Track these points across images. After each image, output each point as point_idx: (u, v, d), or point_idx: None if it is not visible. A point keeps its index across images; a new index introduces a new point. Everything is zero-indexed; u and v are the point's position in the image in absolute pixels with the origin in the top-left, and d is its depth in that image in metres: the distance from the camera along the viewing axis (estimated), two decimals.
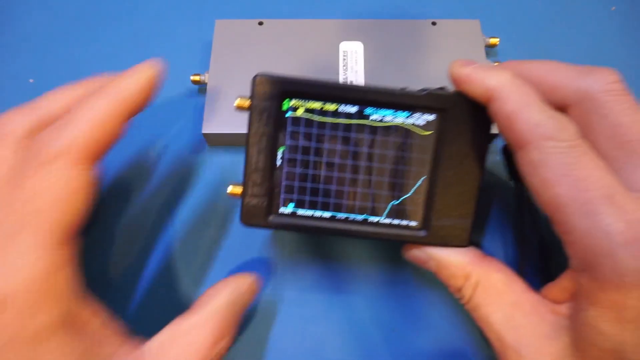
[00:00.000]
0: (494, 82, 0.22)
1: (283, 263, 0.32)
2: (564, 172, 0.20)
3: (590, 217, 0.19)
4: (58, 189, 0.21)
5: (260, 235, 0.33)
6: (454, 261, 0.25)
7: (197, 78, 0.35)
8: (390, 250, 0.32)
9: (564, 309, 0.22)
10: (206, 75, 0.35)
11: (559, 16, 0.40)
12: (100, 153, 0.22)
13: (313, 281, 0.32)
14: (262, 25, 0.37)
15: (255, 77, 0.24)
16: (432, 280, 0.32)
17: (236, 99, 0.25)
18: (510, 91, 0.22)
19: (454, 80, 0.24)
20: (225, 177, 0.34)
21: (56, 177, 0.21)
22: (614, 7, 0.40)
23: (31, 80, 0.38)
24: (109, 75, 0.24)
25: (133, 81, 0.23)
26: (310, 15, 0.40)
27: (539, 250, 0.30)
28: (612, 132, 0.22)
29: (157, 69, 0.24)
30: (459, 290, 0.25)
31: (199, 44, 0.39)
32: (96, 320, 0.22)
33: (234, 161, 0.35)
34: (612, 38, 0.39)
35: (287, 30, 0.37)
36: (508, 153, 0.28)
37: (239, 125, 0.33)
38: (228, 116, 0.34)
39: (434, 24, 0.37)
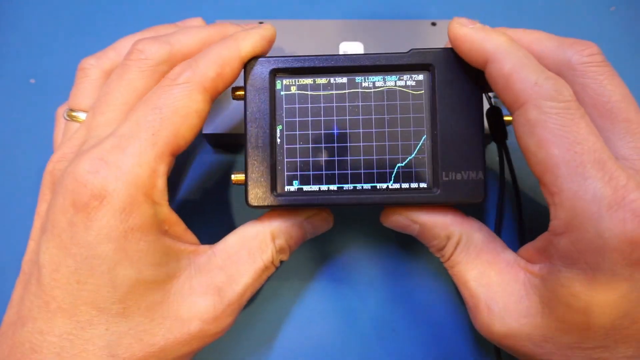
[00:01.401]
0: (492, 45, 0.23)
1: (283, 263, 0.32)
2: (561, 133, 0.21)
3: (580, 179, 0.20)
4: (181, 105, 0.23)
5: None
6: (438, 223, 0.25)
7: None
8: (391, 250, 0.32)
9: (537, 268, 0.23)
10: None
11: (558, 16, 0.40)
12: (220, 89, 0.25)
13: (313, 281, 0.32)
14: None
15: (245, 63, 0.26)
16: (432, 280, 0.32)
17: (231, 91, 0.26)
18: (507, 53, 0.22)
19: (452, 38, 0.24)
20: (226, 178, 0.35)
21: (182, 95, 0.23)
22: (613, 7, 0.40)
23: (32, 81, 0.38)
24: (235, 26, 0.28)
25: (257, 37, 0.26)
26: (310, 16, 0.40)
27: (517, 212, 0.31)
28: (594, 101, 0.22)
29: (274, 32, 0.27)
30: (441, 250, 0.26)
31: None
32: (178, 227, 0.25)
33: (235, 162, 0.35)
34: (612, 38, 0.39)
35: (287, 31, 0.37)
36: (492, 115, 0.28)
37: (240, 126, 0.34)
38: (229, 117, 0.34)
39: (433, 24, 0.37)
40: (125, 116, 0.24)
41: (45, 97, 0.38)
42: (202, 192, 0.34)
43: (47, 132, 0.37)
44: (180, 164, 0.35)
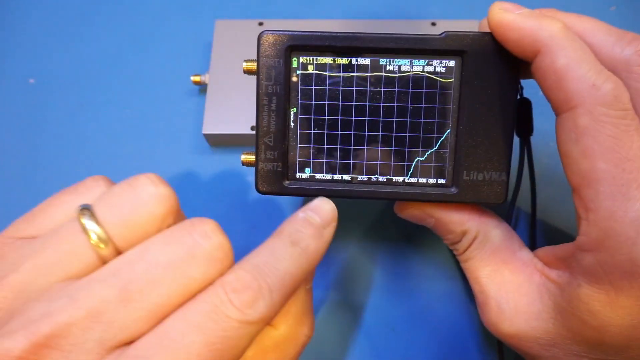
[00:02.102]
0: (545, 34, 0.20)
1: None
2: (611, 146, 0.18)
3: (623, 200, 0.18)
4: (241, 349, 0.18)
5: (264, 235, 0.33)
6: (454, 218, 0.24)
7: (197, 78, 0.35)
8: (390, 248, 0.32)
9: (554, 275, 0.22)
10: (206, 75, 0.35)
11: None
12: None
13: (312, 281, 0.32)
14: (262, 26, 0.37)
15: (260, 35, 0.23)
16: (432, 279, 0.32)
17: (243, 62, 0.24)
18: (563, 44, 0.19)
19: (494, 26, 0.21)
20: (226, 178, 0.35)
21: (247, 337, 0.18)
22: (613, 7, 0.40)
23: (31, 81, 0.38)
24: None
25: (327, 243, 0.21)
26: (310, 16, 0.40)
27: (531, 215, 0.30)
28: None
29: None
30: (455, 244, 0.25)
31: (199, 44, 0.39)
32: None
33: (235, 161, 0.35)
34: None
35: None
36: (520, 108, 0.26)
37: (239, 125, 0.34)
38: (229, 117, 0.34)
39: (433, 24, 0.37)
40: (153, 323, 0.17)
41: (45, 97, 0.38)
42: (202, 192, 0.34)
43: (47, 132, 0.37)
44: (179, 164, 0.35)
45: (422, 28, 0.37)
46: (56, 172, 0.35)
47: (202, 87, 0.37)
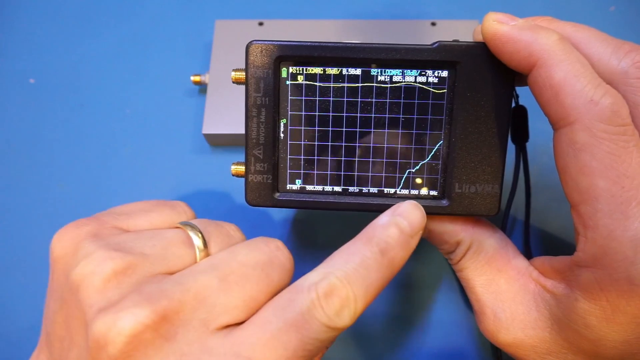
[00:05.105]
0: (541, 46, 0.19)
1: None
2: (610, 163, 0.18)
3: (621, 218, 0.18)
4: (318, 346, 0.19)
5: (264, 234, 0.33)
6: (447, 229, 0.24)
7: (197, 78, 0.35)
8: None
9: (550, 284, 0.22)
10: (206, 75, 0.35)
11: (557, 16, 0.40)
12: None
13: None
14: (262, 26, 0.37)
15: (248, 45, 0.23)
16: (431, 281, 0.32)
17: (231, 72, 0.24)
18: (560, 57, 0.19)
19: (488, 38, 0.21)
20: (226, 178, 0.35)
21: (327, 340, 0.19)
22: (613, 7, 0.40)
23: (32, 80, 0.38)
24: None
25: (411, 249, 0.21)
26: (310, 16, 0.40)
27: (525, 223, 0.30)
28: None
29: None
30: (449, 254, 0.25)
31: (199, 44, 0.39)
32: None
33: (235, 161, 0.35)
34: None
35: (287, 31, 0.37)
36: (515, 115, 0.26)
37: (239, 125, 0.34)
38: (228, 117, 0.34)
39: (433, 24, 0.37)
40: (247, 312, 0.19)
41: (45, 97, 0.38)
42: (202, 192, 0.34)
43: (47, 132, 0.37)
44: (179, 164, 0.35)
45: (422, 28, 0.37)
46: (56, 172, 0.35)
47: (202, 87, 0.37)
